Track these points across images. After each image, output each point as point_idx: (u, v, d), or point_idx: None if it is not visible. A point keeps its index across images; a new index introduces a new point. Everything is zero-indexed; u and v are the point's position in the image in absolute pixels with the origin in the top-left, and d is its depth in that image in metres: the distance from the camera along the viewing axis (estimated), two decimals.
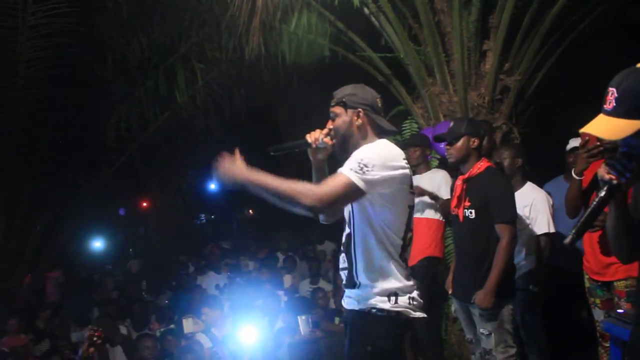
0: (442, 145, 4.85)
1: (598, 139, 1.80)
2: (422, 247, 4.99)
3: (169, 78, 7.48)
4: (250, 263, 9.39)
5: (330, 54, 6.27)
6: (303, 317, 5.48)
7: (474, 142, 3.78)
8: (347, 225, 2.61)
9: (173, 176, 11.91)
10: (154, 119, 7.87)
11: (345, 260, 2.59)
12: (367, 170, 2.39)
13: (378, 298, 2.47)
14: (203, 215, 19.13)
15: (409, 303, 2.49)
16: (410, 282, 2.54)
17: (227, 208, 18.14)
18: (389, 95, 6.13)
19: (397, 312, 2.47)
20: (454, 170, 5.08)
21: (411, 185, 2.57)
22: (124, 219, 14.93)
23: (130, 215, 15.06)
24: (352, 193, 2.41)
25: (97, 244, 12.74)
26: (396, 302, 2.47)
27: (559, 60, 5.73)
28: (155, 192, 12.80)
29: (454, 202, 3.88)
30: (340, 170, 2.44)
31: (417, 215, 5.06)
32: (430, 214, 5.06)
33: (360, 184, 2.38)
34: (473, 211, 3.73)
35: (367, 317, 2.49)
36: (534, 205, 4.36)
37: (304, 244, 10.69)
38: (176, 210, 13.31)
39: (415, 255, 5.00)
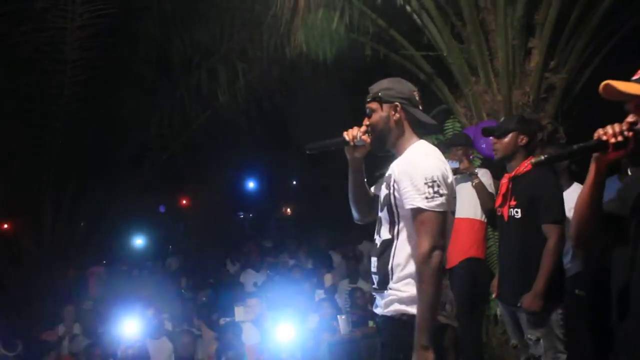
0: (485, 145, 4.78)
1: (630, 124, 1.86)
2: (464, 248, 4.89)
3: (211, 77, 7.57)
4: (291, 261, 9.41)
5: (372, 52, 6.23)
6: (343, 317, 5.47)
7: (523, 139, 3.67)
8: (384, 230, 2.53)
9: (213, 174, 12.04)
10: (195, 117, 7.98)
11: (377, 266, 2.52)
12: (439, 192, 2.35)
13: (408, 304, 2.40)
14: (242, 213, 19.30)
15: (441, 309, 2.40)
16: (445, 290, 2.45)
17: (265, 206, 18.26)
18: (431, 94, 6.06)
19: None
20: (498, 169, 5.01)
21: (453, 191, 2.50)
22: (164, 216, 15.17)
23: (170, 213, 15.29)
24: (443, 221, 2.37)
25: (138, 241, 12.96)
26: None
27: (607, 57, 5.58)
28: (195, 190, 12.98)
29: (499, 201, 3.77)
30: (418, 205, 2.35)
31: (458, 215, 4.96)
32: (472, 214, 4.95)
33: (442, 208, 2.35)
34: (519, 210, 3.59)
35: (398, 324, 2.43)
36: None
37: (342, 243, 10.67)
38: (215, 208, 13.46)
39: (457, 256, 4.92)
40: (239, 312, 5.94)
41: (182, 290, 8.55)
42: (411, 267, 2.41)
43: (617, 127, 1.85)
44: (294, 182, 19.19)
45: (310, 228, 12.79)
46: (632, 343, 1.95)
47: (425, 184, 2.35)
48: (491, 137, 3.89)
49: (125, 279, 8.69)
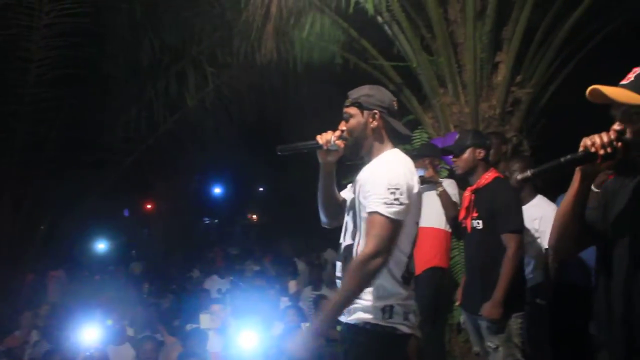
0: (450, 157, 4.85)
1: (618, 134, 1.81)
2: (428, 257, 4.93)
3: (179, 81, 7.50)
4: (255, 268, 9.37)
5: (342, 61, 6.27)
6: (307, 324, 5.44)
7: (480, 153, 3.80)
8: (348, 236, 2.53)
9: (179, 179, 11.92)
10: (163, 121, 7.89)
11: (342, 270, 2.51)
12: (400, 203, 2.34)
13: (371, 312, 2.39)
14: (207, 218, 19.13)
15: (404, 318, 2.41)
16: (409, 300, 2.46)
17: (230, 212, 18.15)
18: (400, 105, 6.09)
19: (393, 327, 2.39)
20: (462, 182, 5.07)
21: (420, 200, 2.51)
22: (128, 220, 14.94)
23: (134, 217, 15.07)
24: (397, 228, 2.35)
25: (101, 245, 12.72)
26: (390, 317, 2.39)
27: (572, 73, 5.72)
28: (160, 194, 12.81)
29: (462, 214, 3.89)
30: (376, 210, 2.35)
31: (423, 224, 5.00)
32: (436, 224, 5.00)
33: (399, 216, 2.34)
34: (481, 222, 3.72)
35: (360, 332, 2.40)
36: (543, 218, 4.32)
37: (307, 250, 10.67)
38: (180, 213, 13.30)
39: (421, 264, 4.94)
40: (205, 320, 5.89)
41: (145, 296, 8.42)
42: None
43: (605, 137, 1.79)
44: (260, 189, 19.13)
45: (276, 235, 12.74)
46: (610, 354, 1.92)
47: (388, 189, 2.34)
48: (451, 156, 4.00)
49: (86, 283, 8.53)
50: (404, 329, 2.40)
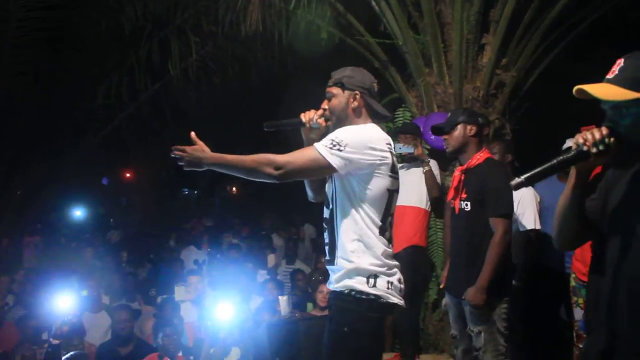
0: (434, 136, 4.84)
1: (610, 129, 1.79)
2: (407, 236, 4.98)
3: (162, 49, 7.39)
4: (233, 240, 9.36)
5: (328, 36, 6.21)
6: (284, 297, 5.46)
7: (471, 129, 3.66)
8: (330, 202, 2.63)
9: (158, 149, 11.80)
10: (144, 89, 7.79)
11: (328, 236, 2.63)
12: (339, 148, 2.44)
13: (357, 279, 2.49)
14: (186, 190, 19.03)
15: (387, 287, 2.51)
16: (392, 266, 2.56)
17: (210, 184, 18.07)
18: (384, 82, 6.08)
19: (376, 295, 2.49)
20: (445, 162, 5.09)
21: (392, 169, 2.59)
22: (106, 188, 14.80)
23: (113, 186, 14.94)
24: (319, 167, 2.47)
25: (78, 213, 12.61)
26: (375, 285, 2.49)
27: (556, 59, 5.74)
28: (139, 163, 12.70)
29: (451, 194, 3.77)
30: (314, 144, 2.50)
31: (403, 203, 5.04)
32: (418, 203, 5.04)
33: (330, 159, 2.43)
34: (469, 203, 3.61)
35: (346, 299, 2.51)
36: (521, 201, 4.36)
37: (285, 225, 10.69)
38: (160, 183, 13.23)
39: (400, 243, 4.98)
40: (179, 292, 5.88)
41: (123, 265, 8.39)
42: (354, 234, 2.51)
43: (597, 134, 1.76)
44: None
45: (255, 209, 12.73)
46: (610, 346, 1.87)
47: (331, 140, 2.47)
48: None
49: (63, 250, 8.46)
50: (389, 297, 2.51)
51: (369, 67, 6.03)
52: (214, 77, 7.74)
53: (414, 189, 4.96)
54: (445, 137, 3.76)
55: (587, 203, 1.96)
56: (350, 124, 2.63)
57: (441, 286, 4.08)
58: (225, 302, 5.33)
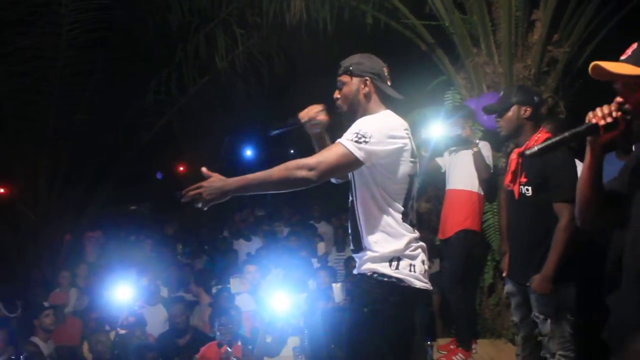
0: (486, 117, 4.74)
1: (619, 105, 1.88)
2: (459, 220, 4.92)
3: (209, 43, 7.48)
4: (285, 229, 9.43)
5: (373, 21, 6.14)
6: (338, 285, 5.49)
7: (526, 111, 3.49)
8: (350, 193, 2.67)
9: (210, 142, 11.99)
10: (193, 83, 7.90)
11: (350, 227, 2.68)
12: (365, 141, 2.47)
13: (380, 262, 2.53)
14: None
15: (410, 270, 2.53)
16: (415, 247, 2.58)
17: None
18: (432, 65, 6.01)
19: (398, 278, 2.52)
20: (499, 143, 4.98)
21: (412, 155, 2.62)
22: (161, 182, 15.13)
23: (167, 179, 15.25)
24: (349, 163, 2.49)
25: (134, 207, 12.94)
26: (397, 267, 2.52)
27: (610, 33, 5.51)
28: (192, 156, 12.91)
29: (509, 178, 3.60)
30: (338, 140, 2.52)
31: (453, 187, 4.99)
32: (469, 186, 4.95)
33: (358, 154, 2.47)
34: (530, 188, 3.44)
35: (368, 281, 2.55)
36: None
37: (336, 212, 10.67)
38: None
39: (451, 227, 4.95)
40: (235, 283, 5.99)
41: (178, 257, 8.58)
42: (376, 224, 2.55)
43: (605, 109, 1.88)
44: (292, 151, 19.15)
45: (306, 197, 12.76)
46: (620, 315, 1.99)
47: (356, 133, 2.49)
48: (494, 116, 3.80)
49: (122, 244, 8.71)
50: (412, 281, 2.53)
51: (416, 51, 6.00)
52: (261, 68, 7.78)
53: (463, 172, 4.89)
54: (498, 119, 3.61)
55: (609, 183, 2.06)
56: (363, 110, 2.67)
57: (504, 274, 3.96)
58: (280, 292, 5.40)
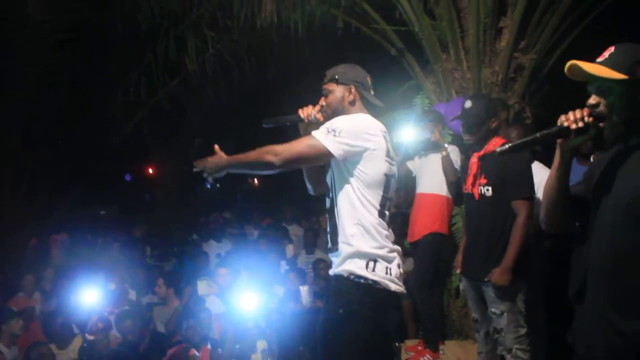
0: (455, 122, 4.81)
1: (590, 108, 1.92)
2: (428, 223, 4.97)
3: (179, 45, 7.43)
4: (255, 232, 9.41)
5: (344, 25, 6.19)
6: (305, 288, 5.52)
7: (494, 123, 3.77)
8: (330, 191, 2.74)
9: (180, 143, 11.89)
10: (162, 85, 7.84)
11: (329, 225, 2.73)
12: (334, 134, 2.57)
13: (356, 263, 2.58)
14: (209, 183, 19.10)
15: (386, 273, 2.58)
16: (391, 249, 2.64)
17: (231, 177, 18.12)
18: (401, 70, 6.07)
19: (374, 280, 2.56)
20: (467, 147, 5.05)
21: (388, 155, 2.68)
22: (129, 184, 14.96)
23: (136, 181, 15.09)
24: (317, 154, 2.59)
25: (102, 210, 12.77)
26: (374, 269, 2.57)
27: (576, 40, 5.64)
28: (161, 159, 12.79)
29: (470, 180, 3.81)
30: (311, 132, 2.64)
31: (422, 190, 5.05)
32: (437, 190, 5.02)
33: (327, 144, 2.56)
34: (490, 188, 3.67)
35: (344, 282, 2.59)
36: (540, 184, 4.30)
37: (306, 215, 10.68)
38: (181, 178, 13.31)
39: (420, 230, 5.00)
40: (202, 286, 5.94)
41: (147, 259, 8.49)
42: (353, 218, 2.61)
43: (578, 113, 1.90)
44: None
45: (276, 199, 12.76)
46: (583, 319, 2.03)
47: (327, 127, 2.61)
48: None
49: (89, 247, 8.58)
50: (387, 284, 2.58)
51: (385, 55, 6.05)
52: (232, 71, 7.76)
53: (432, 176, 4.95)
54: (469, 138, 3.82)
55: (574, 187, 2.09)
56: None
57: (458, 271, 4.10)
58: (249, 292, 5.39)
